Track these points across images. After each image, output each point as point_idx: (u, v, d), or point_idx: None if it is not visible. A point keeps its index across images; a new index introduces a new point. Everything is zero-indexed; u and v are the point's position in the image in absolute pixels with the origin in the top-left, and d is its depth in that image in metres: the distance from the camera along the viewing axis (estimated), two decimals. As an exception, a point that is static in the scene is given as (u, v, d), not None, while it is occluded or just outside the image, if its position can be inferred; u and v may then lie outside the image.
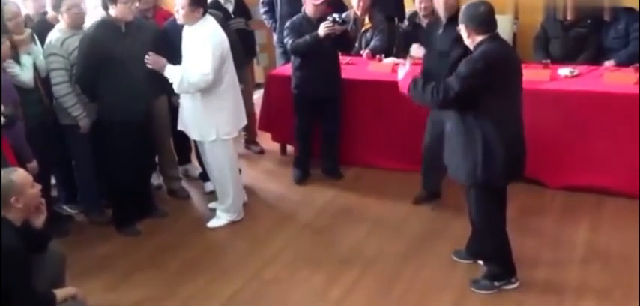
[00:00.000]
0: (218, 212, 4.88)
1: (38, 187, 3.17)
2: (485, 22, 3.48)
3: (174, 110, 4.93)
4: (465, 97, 3.41)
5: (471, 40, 3.50)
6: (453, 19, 3.53)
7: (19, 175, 3.07)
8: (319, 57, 5.09)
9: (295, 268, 4.28)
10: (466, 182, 3.69)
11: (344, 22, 5.04)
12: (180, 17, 4.42)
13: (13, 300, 2.96)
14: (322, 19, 5.03)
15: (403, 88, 3.63)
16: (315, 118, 5.42)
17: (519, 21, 6.71)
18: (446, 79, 3.46)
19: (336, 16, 4.96)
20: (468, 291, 3.87)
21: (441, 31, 4.37)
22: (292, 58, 5.39)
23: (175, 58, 4.93)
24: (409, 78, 3.61)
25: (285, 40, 5.27)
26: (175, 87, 4.43)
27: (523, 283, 3.87)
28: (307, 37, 5.04)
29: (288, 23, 5.29)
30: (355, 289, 3.99)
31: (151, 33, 4.72)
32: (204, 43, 4.36)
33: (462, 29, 3.53)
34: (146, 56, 4.39)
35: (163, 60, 4.42)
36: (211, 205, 5.05)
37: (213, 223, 4.85)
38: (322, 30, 4.93)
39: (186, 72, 4.37)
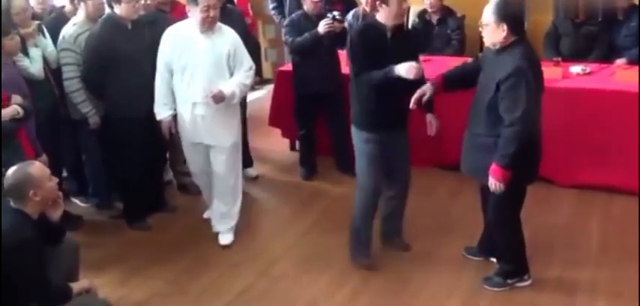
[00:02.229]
0: (227, 228, 4.55)
1: (55, 180, 3.17)
2: (522, 22, 3.46)
3: None
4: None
5: (502, 38, 3.40)
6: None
7: (36, 168, 3.07)
8: (319, 54, 5.09)
9: (304, 266, 4.28)
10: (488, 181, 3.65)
11: (343, 19, 5.03)
12: (212, 19, 4.12)
13: (30, 293, 2.96)
14: (321, 16, 5.02)
15: (501, 174, 3.45)
16: (317, 115, 5.42)
17: (529, 20, 6.68)
18: (507, 107, 3.35)
19: (335, 13, 4.96)
20: (479, 288, 3.86)
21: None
22: (292, 56, 5.37)
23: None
24: (501, 167, 3.44)
25: (285, 38, 5.26)
26: (237, 99, 4.30)
27: (535, 281, 3.86)
28: (307, 34, 5.03)
29: (287, 21, 5.30)
30: (365, 286, 3.98)
31: (165, 28, 4.71)
32: (236, 40, 4.28)
33: (492, 23, 3.41)
34: (207, 97, 4.13)
35: (220, 91, 4.13)
36: (207, 214, 4.76)
37: (227, 239, 4.53)
38: (322, 27, 4.92)
39: (236, 78, 4.25)
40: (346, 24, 5.11)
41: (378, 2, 3.71)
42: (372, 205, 4.04)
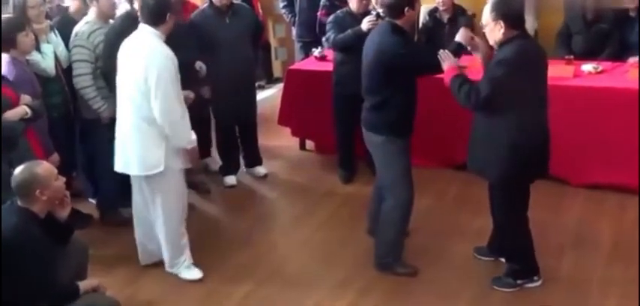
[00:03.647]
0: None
1: (62, 179, 3.17)
2: (520, 17, 3.46)
3: (200, 103, 4.90)
4: (498, 97, 3.36)
5: (500, 35, 3.41)
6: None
7: (44, 167, 3.08)
8: (359, 54, 5.04)
9: (314, 263, 4.27)
10: (494, 179, 3.65)
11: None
12: None
13: (38, 292, 2.97)
14: (366, 14, 4.97)
15: (446, 80, 3.57)
16: (357, 117, 5.35)
17: (540, 20, 6.64)
18: (479, 83, 3.41)
19: (380, 11, 4.93)
20: (489, 289, 3.83)
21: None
22: (334, 54, 5.33)
23: (205, 51, 4.92)
24: (451, 72, 3.55)
25: (327, 34, 5.20)
26: None
27: (546, 282, 3.83)
28: (350, 31, 4.98)
29: (331, 17, 5.24)
30: (374, 286, 3.97)
31: (182, 28, 4.73)
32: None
33: (490, 22, 3.43)
34: None
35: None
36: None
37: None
38: (365, 24, 4.87)
39: None
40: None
41: (406, 9, 3.71)
42: (409, 214, 4.01)
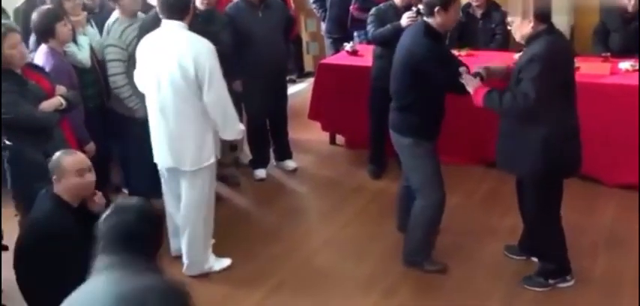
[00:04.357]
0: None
1: (89, 177, 3.10)
2: (549, 9, 3.42)
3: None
4: (541, 95, 3.31)
5: (530, 29, 3.38)
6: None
7: (70, 158, 3.06)
8: None
9: (342, 258, 4.27)
10: (526, 176, 3.59)
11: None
12: None
13: (69, 278, 3.00)
14: (408, 8, 4.91)
15: (478, 102, 3.52)
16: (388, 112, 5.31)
17: (576, 19, 6.53)
18: (520, 87, 3.36)
19: (420, 6, 4.89)
20: (519, 288, 3.79)
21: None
22: (374, 47, 5.30)
23: (242, 45, 4.93)
24: (481, 91, 3.51)
25: (368, 27, 5.17)
26: None
27: (578, 282, 3.77)
28: (389, 25, 4.93)
29: (373, 10, 5.21)
30: (403, 282, 3.95)
31: (219, 23, 4.77)
32: None
33: (518, 18, 3.41)
34: None
35: None
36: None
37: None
38: (405, 20, 4.83)
39: None
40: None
41: (436, 9, 3.65)
42: (441, 215, 3.98)
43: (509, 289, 3.80)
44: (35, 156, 3.55)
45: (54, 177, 3.04)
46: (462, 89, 3.61)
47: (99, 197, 3.16)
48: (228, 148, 5.53)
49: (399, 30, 4.82)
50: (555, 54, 3.38)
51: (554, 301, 3.67)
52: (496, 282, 3.87)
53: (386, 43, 4.96)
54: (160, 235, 2.42)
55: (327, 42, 6.99)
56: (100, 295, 2.08)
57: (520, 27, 3.42)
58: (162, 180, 4.12)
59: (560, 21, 4.06)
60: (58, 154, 3.10)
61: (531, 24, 3.37)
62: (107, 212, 2.28)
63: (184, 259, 4.09)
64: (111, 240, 2.21)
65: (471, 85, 3.56)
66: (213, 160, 3.91)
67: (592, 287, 3.76)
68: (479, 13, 5.99)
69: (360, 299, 3.84)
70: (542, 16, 3.39)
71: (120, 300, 2.04)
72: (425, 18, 3.75)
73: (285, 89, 5.61)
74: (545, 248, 3.76)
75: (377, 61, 5.19)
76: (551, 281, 3.74)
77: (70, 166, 3.04)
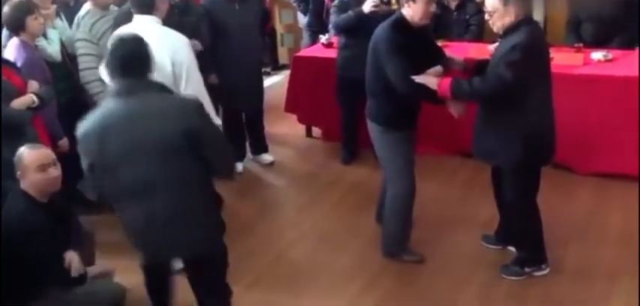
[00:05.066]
0: None
1: (53, 173, 3.05)
2: (528, 1, 3.44)
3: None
4: (518, 81, 3.34)
5: (509, 17, 3.39)
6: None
7: (30, 155, 3.02)
8: (364, 37, 5.00)
9: (321, 250, 4.27)
10: (505, 164, 3.61)
11: (390, 2, 4.96)
12: None
13: (42, 275, 2.96)
14: None
15: (445, 92, 3.52)
16: (359, 102, 5.31)
17: (548, 10, 6.61)
18: (496, 70, 3.38)
19: None
20: (497, 277, 3.82)
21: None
22: (338, 38, 5.31)
23: (218, 38, 4.88)
24: (447, 81, 3.52)
25: (331, 18, 5.19)
26: None
27: (553, 270, 3.81)
28: (351, 12, 4.96)
29: (336, 1, 5.21)
30: (381, 273, 3.96)
31: (195, 13, 4.71)
32: None
33: (500, 9, 3.40)
34: None
35: None
36: None
37: None
38: (367, 6, 4.85)
39: None
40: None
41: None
42: (412, 203, 3.97)
43: (486, 278, 3.83)
44: (6, 154, 3.48)
45: (18, 173, 3.00)
46: (419, 90, 3.59)
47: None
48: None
49: (362, 17, 4.85)
50: (536, 42, 3.42)
51: (530, 289, 3.71)
52: (473, 271, 3.90)
53: (349, 31, 4.99)
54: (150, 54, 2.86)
55: (306, 35, 6.98)
56: (139, 112, 2.68)
57: (502, 17, 3.42)
58: None
59: (535, 13, 4.09)
60: (21, 149, 3.05)
61: (514, 14, 3.38)
62: (113, 45, 2.80)
63: None
64: (121, 67, 2.74)
65: (431, 81, 3.57)
66: None
67: (566, 276, 3.80)
68: (453, 4, 6.02)
69: (340, 290, 3.84)
70: (523, 3, 3.41)
71: (165, 113, 2.68)
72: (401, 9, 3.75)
73: (261, 82, 5.58)
74: (523, 236, 3.80)
75: (341, 52, 5.22)
76: (527, 270, 3.78)
77: (32, 162, 3.00)
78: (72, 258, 3.05)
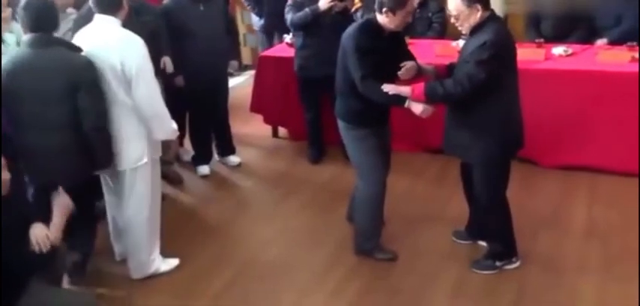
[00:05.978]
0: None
1: (8, 174, 2.94)
2: None
3: (173, 92, 4.82)
4: (490, 79, 3.37)
5: (474, 16, 3.42)
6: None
7: None
8: (321, 35, 5.00)
9: (295, 249, 4.25)
10: (476, 159, 3.63)
11: None
12: None
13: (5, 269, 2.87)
14: None
15: (420, 97, 3.55)
16: (323, 98, 5.26)
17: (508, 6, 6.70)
18: (467, 70, 3.40)
19: None
20: (468, 272, 3.86)
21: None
22: (295, 38, 5.29)
23: (179, 39, 4.80)
24: (419, 87, 3.54)
25: (286, 16, 5.16)
26: None
27: (523, 263, 3.87)
28: (307, 9, 4.96)
29: (290, 0, 5.19)
30: (355, 271, 3.96)
31: (151, 13, 4.65)
32: None
33: (465, 10, 3.41)
34: None
35: None
36: None
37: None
38: (323, 3, 4.85)
39: None
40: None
41: (384, 9, 3.61)
42: (382, 199, 3.96)
43: (458, 273, 3.86)
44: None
45: None
46: (375, 93, 3.61)
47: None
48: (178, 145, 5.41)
49: (317, 14, 4.85)
50: (504, 37, 3.46)
51: (502, 283, 3.75)
52: (445, 267, 3.93)
53: (305, 28, 4.97)
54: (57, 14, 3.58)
55: (262, 37, 6.97)
56: (43, 63, 3.42)
57: (468, 18, 3.43)
58: (103, 181, 3.98)
59: (497, 10, 4.13)
60: None
61: (479, 13, 3.41)
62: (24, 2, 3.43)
63: (129, 263, 3.96)
64: (30, 21, 3.42)
65: (404, 90, 3.59)
66: (145, 160, 3.72)
67: (536, 268, 3.86)
68: (416, 2, 6.05)
69: (314, 290, 3.82)
70: (487, 3, 3.45)
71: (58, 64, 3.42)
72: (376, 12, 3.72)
73: (226, 84, 5.52)
74: (495, 230, 3.84)
75: (299, 52, 5.23)
76: (498, 263, 3.83)
77: None
78: (37, 234, 2.95)
